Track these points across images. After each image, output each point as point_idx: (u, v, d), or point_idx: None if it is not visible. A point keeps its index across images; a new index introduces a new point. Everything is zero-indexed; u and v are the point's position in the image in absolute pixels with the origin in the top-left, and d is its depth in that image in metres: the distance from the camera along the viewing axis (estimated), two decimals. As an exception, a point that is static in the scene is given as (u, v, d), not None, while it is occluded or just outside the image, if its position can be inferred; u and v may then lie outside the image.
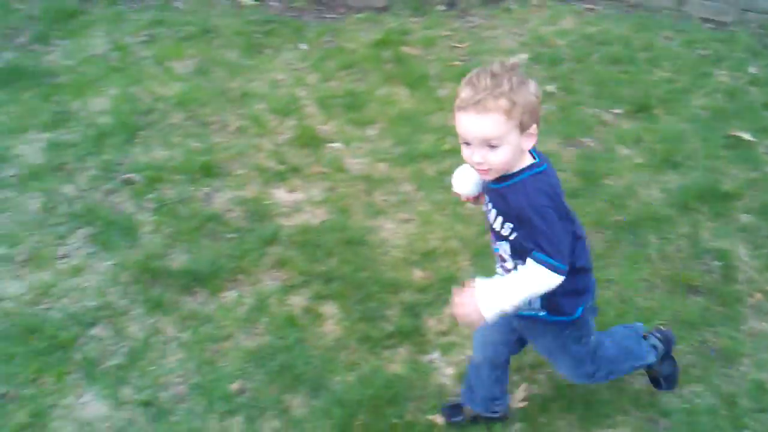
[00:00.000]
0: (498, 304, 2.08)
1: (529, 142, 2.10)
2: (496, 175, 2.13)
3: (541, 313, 2.32)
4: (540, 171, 2.13)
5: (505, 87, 2.00)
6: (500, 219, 2.19)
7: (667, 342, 2.71)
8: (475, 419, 2.70)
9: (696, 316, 3.10)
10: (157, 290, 3.20)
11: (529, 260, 2.09)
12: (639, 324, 2.73)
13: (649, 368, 2.73)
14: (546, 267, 2.06)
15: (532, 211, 2.06)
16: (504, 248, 2.24)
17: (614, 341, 2.58)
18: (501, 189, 2.15)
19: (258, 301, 3.18)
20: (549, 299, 2.25)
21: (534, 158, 2.16)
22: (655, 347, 2.66)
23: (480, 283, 2.10)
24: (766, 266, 3.36)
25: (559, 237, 2.08)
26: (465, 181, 2.34)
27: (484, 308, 2.07)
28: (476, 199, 2.38)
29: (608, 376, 2.61)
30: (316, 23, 5.49)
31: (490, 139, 2.03)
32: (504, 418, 2.71)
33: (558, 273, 2.07)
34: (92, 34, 5.24)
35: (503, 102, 1.99)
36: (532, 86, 2.06)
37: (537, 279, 2.09)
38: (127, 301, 3.17)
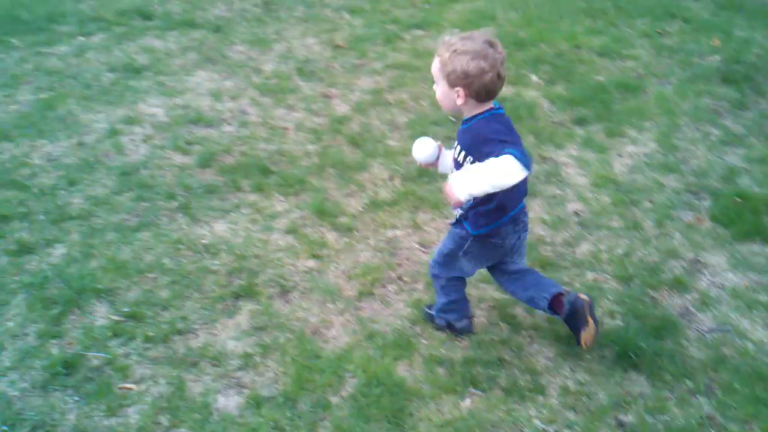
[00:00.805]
0: (469, 189, 2.51)
1: (459, 100, 2.65)
2: (444, 110, 2.79)
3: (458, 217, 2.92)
4: (491, 114, 2.69)
5: (455, 47, 2.59)
6: (463, 153, 2.72)
7: (572, 306, 2.90)
8: (440, 327, 3.23)
9: None
10: None
11: (497, 156, 2.46)
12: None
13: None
14: (513, 156, 2.43)
15: (491, 134, 2.60)
16: None
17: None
18: (463, 129, 2.76)
19: None
20: (467, 212, 2.85)
21: (493, 106, 2.70)
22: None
23: (453, 176, 2.58)
24: None
25: (506, 134, 2.61)
26: (422, 150, 2.94)
27: (459, 192, 2.53)
28: (433, 165, 2.99)
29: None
30: None
31: (433, 75, 2.72)
32: (463, 332, 3.20)
33: (524, 166, 2.44)
34: None
35: (445, 56, 2.62)
36: (475, 62, 2.56)
37: (504, 166, 2.44)
38: None
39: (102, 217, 3.91)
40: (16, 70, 5.55)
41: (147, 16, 6.64)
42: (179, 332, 3.18)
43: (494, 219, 2.83)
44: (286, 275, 3.53)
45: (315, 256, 3.67)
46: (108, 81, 5.42)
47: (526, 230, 2.98)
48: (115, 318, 3.24)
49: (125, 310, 3.28)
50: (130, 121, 4.86)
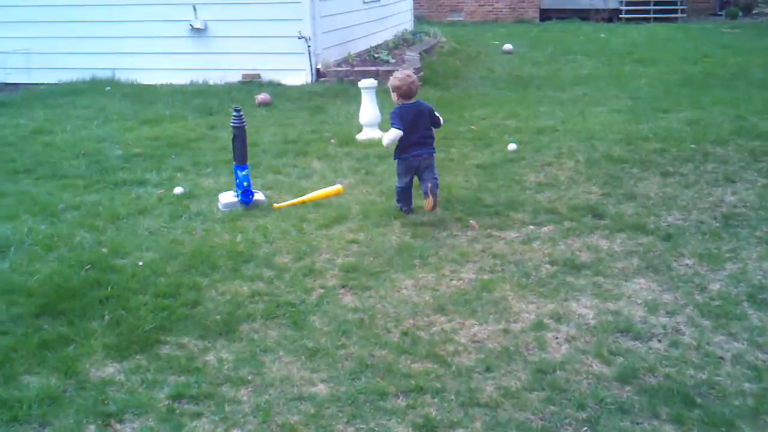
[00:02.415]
0: (386, 142, 6.70)
1: (394, 97, 6.58)
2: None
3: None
4: (398, 108, 6.54)
5: (394, 75, 6.72)
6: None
7: (425, 189, 6.70)
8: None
9: None
10: None
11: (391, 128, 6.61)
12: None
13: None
14: (393, 128, 6.48)
15: (391, 116, 6.57)
16: None
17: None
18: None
19: None
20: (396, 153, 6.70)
21: (402, 104, 6.54)
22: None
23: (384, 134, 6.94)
24: None
25: (395, 118, 6.47)
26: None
27: (384, 142, 6.78)
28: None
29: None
30: None
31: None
32: (405, 212, 6.74)
33: (398, 129, 6.43)
34: None
35: (391, 78, 6.76)
36: (397, 83, 6.52)
37: (390, 133, 6.53)
38: None
39: (508, 411, 3.86)
40: (466, 249, 5.95)
41: (599, 215, 6.70)
42: None
43: (401, 154, 6.57)
44: None
45: None
46: (546, 273, 5.51)
47: (426, 160, 6.55)
48: None
49: None
50: (558, 317, 4.83)
